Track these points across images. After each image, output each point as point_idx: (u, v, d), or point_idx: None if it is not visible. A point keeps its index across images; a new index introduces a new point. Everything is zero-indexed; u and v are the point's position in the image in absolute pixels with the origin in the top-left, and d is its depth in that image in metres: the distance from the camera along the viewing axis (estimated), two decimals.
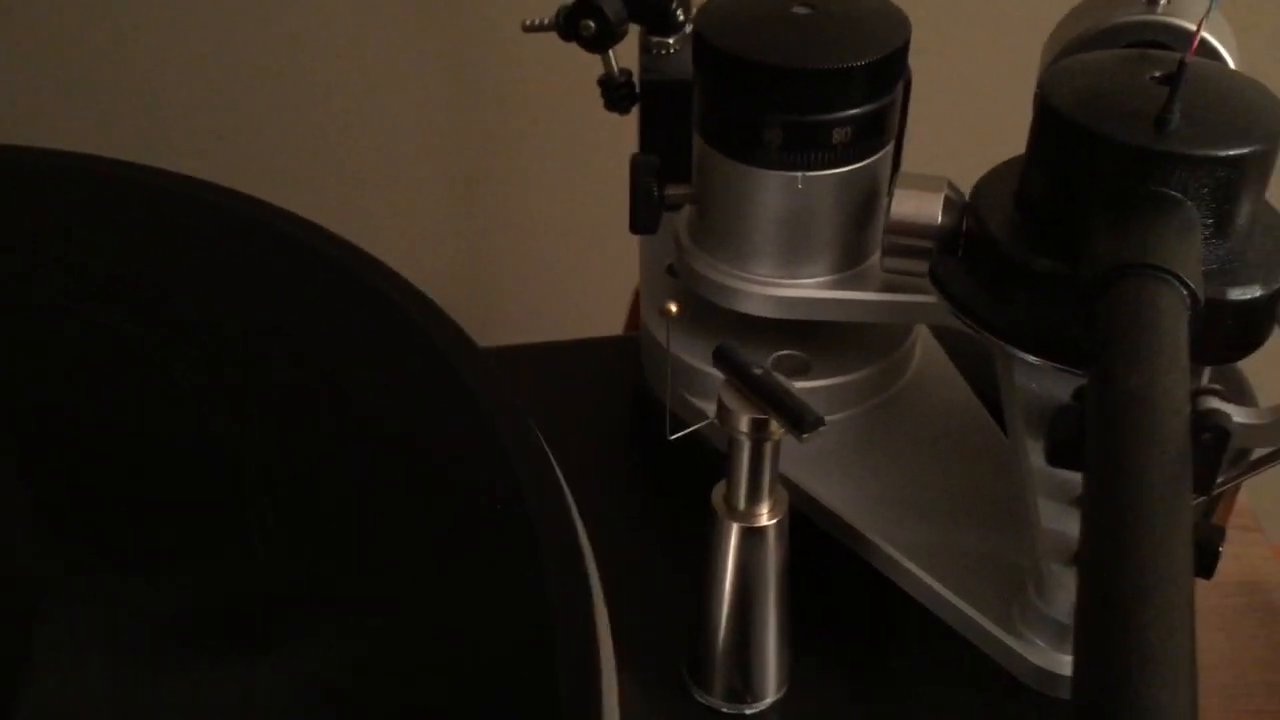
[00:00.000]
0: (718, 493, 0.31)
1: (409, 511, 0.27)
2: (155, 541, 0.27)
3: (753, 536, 0.30)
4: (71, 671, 0.24)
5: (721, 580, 0.31)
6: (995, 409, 0.37)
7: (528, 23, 0.40)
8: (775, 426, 0.28)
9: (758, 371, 0.28)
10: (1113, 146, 0.28)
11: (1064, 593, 0.28)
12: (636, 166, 0.36)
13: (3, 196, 0.36)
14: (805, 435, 0.27)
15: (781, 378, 0.28)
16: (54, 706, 0.23)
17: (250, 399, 0.30)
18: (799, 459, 0.35)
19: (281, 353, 0.31)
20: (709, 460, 0.33)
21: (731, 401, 0.28)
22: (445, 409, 0.29)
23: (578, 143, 0.82)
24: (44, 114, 0.79)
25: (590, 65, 0.41)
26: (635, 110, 0.41)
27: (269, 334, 0.32)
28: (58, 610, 0.25)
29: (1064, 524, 0.29)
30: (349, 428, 0.29)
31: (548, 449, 0.28)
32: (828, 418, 0.28)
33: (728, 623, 0.31)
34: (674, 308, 0.28)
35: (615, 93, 0.40)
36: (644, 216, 0.36)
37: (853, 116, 0.33)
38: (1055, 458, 0.27)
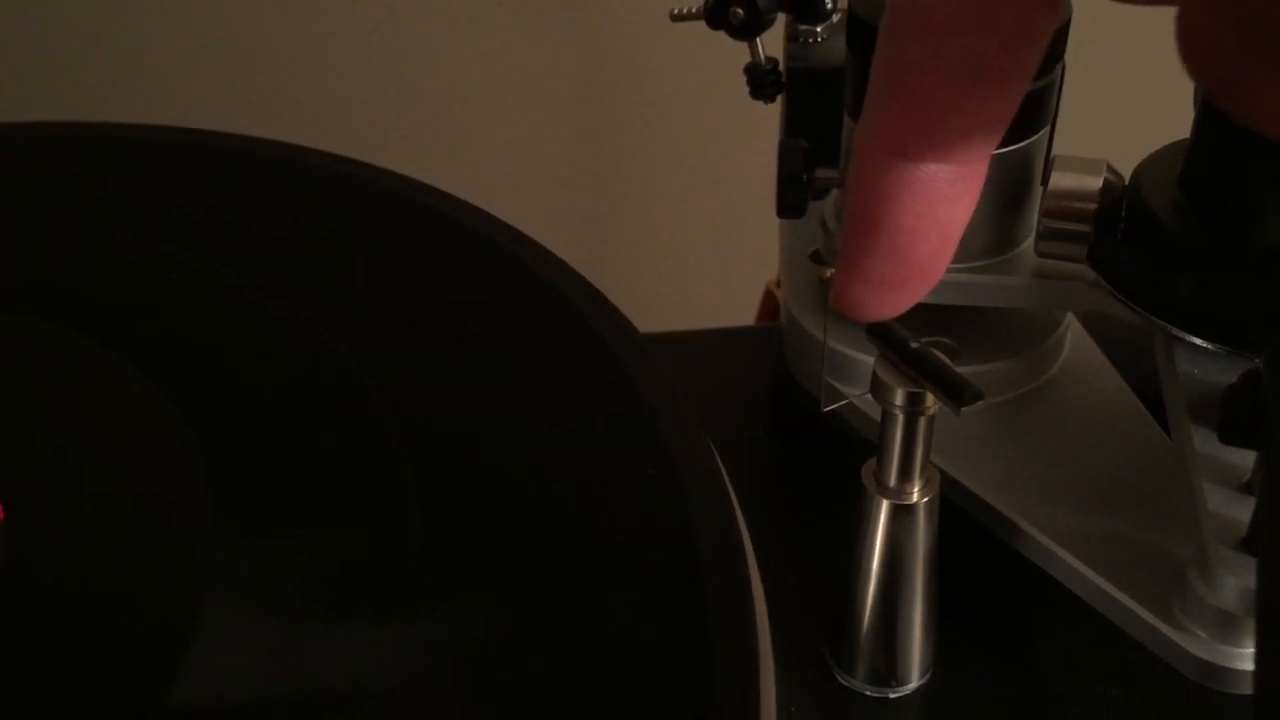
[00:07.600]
0: (867, 469, 0.30)
1: (567, 492, 0.27)
2: (319, 501, 0.27)
3: (902, 514, 0.30)
4: (235, 623, 0.24)
5: (869, 558, 0.31)
6: (1148, 403, 0.36)
7: (676, 11, 0.40)
8: (930, 400, 0.28)
9: (914, 345, 0.28)
10: None
11: (1232, 578, 0.27)
12: (784, 150, 0.36)
13: (191, 179, 0.38)
14: (964, 409, 0.27)
15: (938, 353, 0.28)
16: (218, 657, 0.24)
17: (413, 371, 0.30)
18: (949, 446, 0.34)
19: (442, 330, 0.32)
20: (850, 449, 0.33)
21: (886, 375, 0.28)
22: (605, 392, 0.30)
23: (713, 135, 0.82)
24: (230, 102, 0.82)
25: (735, 54, 0.41)
26: (778, 100, 0.42)
27: (431, 311, 0.33)
28: (224, 563, 0.25)
29: (1230, 509, 0.28)
30: (507, 403, 0.30)
31: (708, 438, 0.28)
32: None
33: (874, 602, 0.31)
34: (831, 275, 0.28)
35: (761, 80, 0.40)
36: (791, 199, 0.36)
37: None
38: (1228, 435, 0.26)
